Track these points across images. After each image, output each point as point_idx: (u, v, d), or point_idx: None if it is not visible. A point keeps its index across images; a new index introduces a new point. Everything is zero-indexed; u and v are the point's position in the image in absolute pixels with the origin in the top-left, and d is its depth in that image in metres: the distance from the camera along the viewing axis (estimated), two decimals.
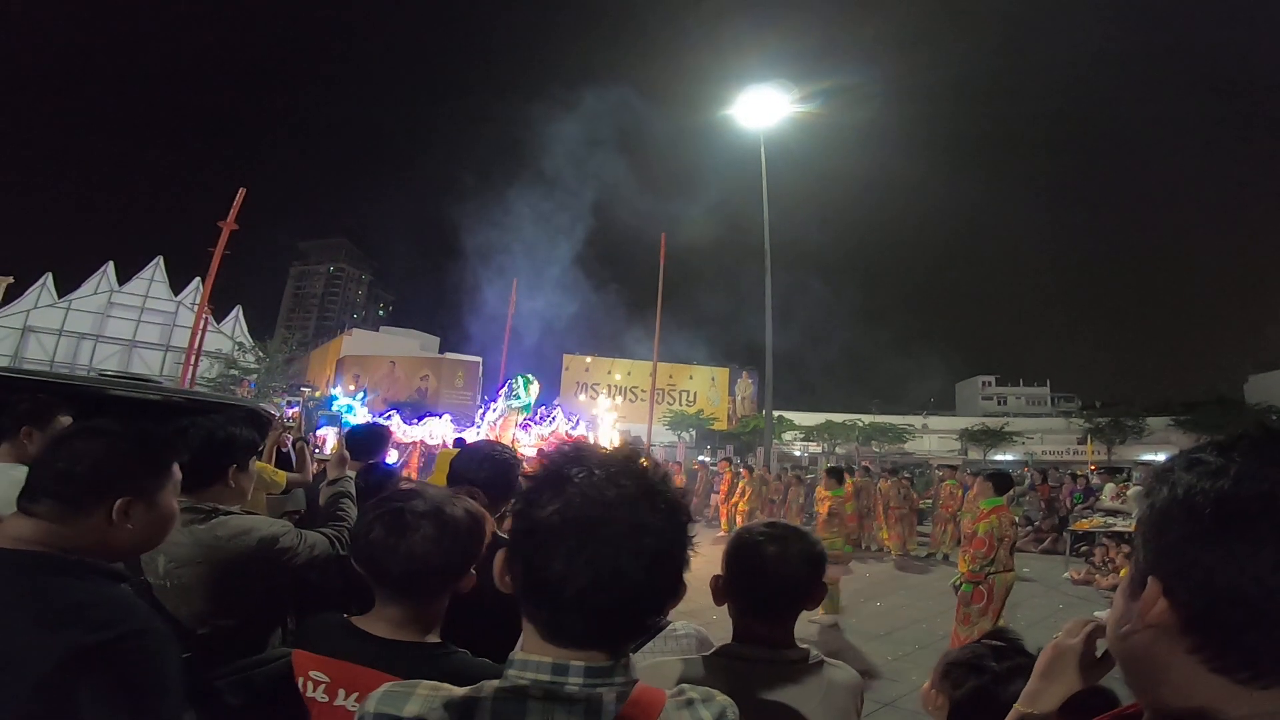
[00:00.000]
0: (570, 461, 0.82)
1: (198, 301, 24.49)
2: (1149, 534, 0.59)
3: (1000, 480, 5.59)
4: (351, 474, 2.53)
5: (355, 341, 50.72)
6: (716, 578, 1.42)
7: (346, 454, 2.67)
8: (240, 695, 1.41)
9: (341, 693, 1.19)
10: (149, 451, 1.21)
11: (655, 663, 1.41)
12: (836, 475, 8.47)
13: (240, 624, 1.50)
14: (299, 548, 1.62)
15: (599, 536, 0.76)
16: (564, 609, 0.77)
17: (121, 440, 1.17)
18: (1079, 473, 15.55)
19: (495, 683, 0.79)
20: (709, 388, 50.33)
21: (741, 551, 1.39)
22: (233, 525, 1.56)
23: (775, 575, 1.33)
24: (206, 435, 1.67)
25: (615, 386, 47.17)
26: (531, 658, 0.78)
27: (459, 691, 0.79)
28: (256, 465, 2.76)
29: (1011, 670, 1.21)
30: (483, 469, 1.98)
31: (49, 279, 35.68)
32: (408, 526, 1.25)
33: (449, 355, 49.72)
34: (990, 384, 69.30)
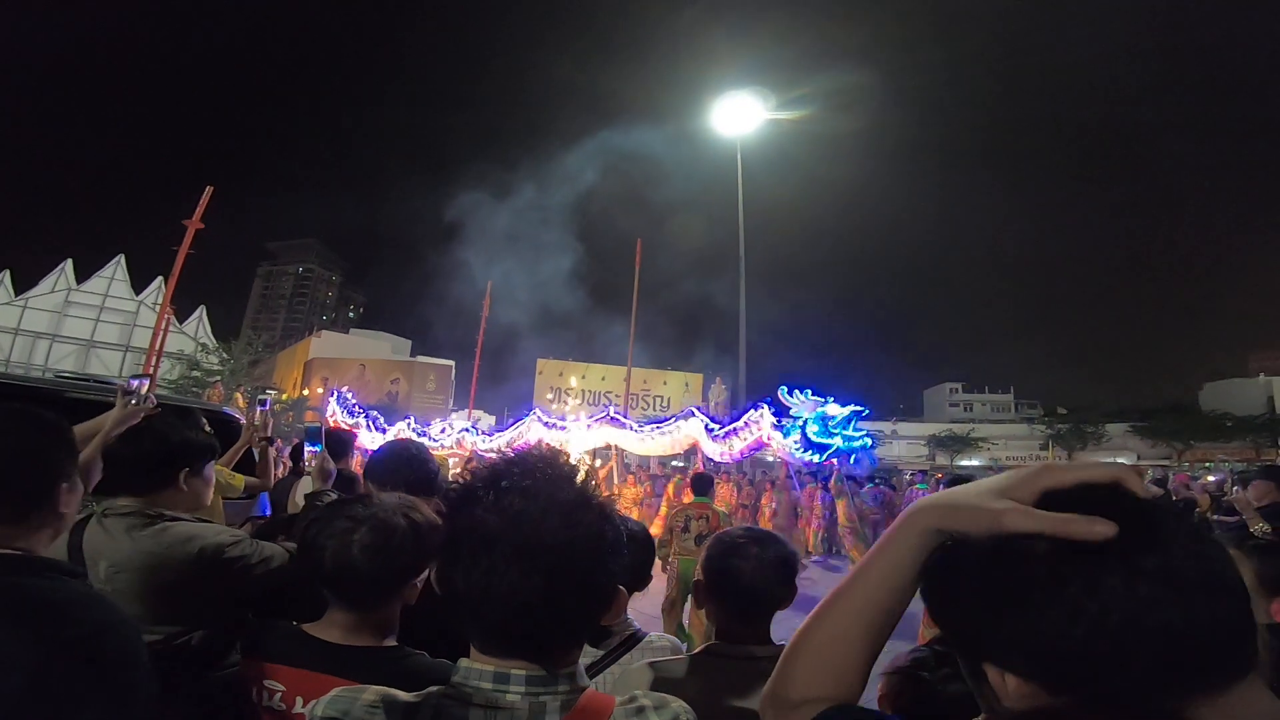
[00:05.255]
0: (491, 473, 0.80)
1: (160, 301, 23.88)
2: (959, 630, 0.60)
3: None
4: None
5: (324, 343, 49.97)
6: (697, 583, 1.48)
7: (329, 466, 2.52)
8: (196, 703, 1.38)
9: (299, 700, 1.15)
10: (68, 435, 1.15)
11: (628, 670, 1.43)
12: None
13: (189, 632, 1.45)
14: (251, 558, 1.55)
15: (493, 553, 0.74)
16: (474, 622, 0.77)
17: (44, 428, 1.11)
18: None
19: (441, 689, 0.79)
20: (683, 392, 50.56)
21: (719, 558, 1.43)
22: (175, 533, 1.50)
23: (752, 579, 1.38)
24: (159, 438, 1.62)
25: (589, 392, 47.06)
26: (475, 665, 0.78)
27: (405, 696, 0.79)
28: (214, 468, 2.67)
29: (947, 677, 1.22)
30: (412, 470, 1.92)
31: (5, 276, 34.47)
32: (342, 531, 1.22)
33: (420, 358, 49.27)
34: (957, 390, 70.54)
